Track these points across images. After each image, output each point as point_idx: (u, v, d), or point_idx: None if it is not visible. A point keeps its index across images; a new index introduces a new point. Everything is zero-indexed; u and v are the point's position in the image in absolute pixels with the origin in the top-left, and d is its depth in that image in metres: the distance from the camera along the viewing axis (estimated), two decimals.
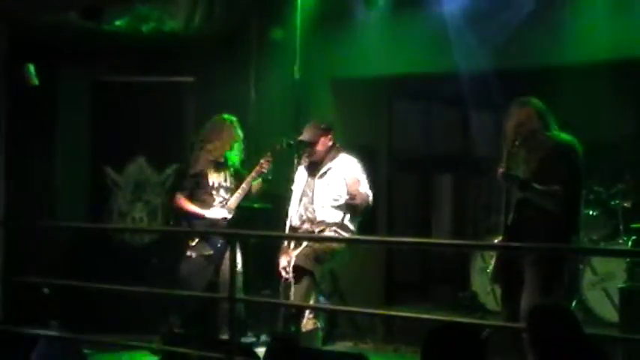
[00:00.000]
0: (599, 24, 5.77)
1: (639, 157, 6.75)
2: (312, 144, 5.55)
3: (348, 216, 5.48)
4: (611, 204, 6.49)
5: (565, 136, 4.66)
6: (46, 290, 6.11)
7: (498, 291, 6.27)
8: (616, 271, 5.97)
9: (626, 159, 6.74)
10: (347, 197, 5.46)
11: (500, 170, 4.59)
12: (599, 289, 6.19)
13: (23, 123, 6.59)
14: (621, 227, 6.35)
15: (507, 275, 4.65)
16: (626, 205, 6.43)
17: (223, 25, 7.06)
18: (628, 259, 5.64)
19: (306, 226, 5.49)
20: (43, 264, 6.40)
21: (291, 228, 5.54)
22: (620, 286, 5.61)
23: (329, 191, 5.48)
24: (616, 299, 5.74)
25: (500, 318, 5.36)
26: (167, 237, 6.53)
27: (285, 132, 6.75)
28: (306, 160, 5.64)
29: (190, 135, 6.55)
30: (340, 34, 6.90)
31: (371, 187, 5.62)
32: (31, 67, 6.32)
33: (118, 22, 6.43)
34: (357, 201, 5.46)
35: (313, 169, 5.59)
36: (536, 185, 4.52)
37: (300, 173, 5.69)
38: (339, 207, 5.47)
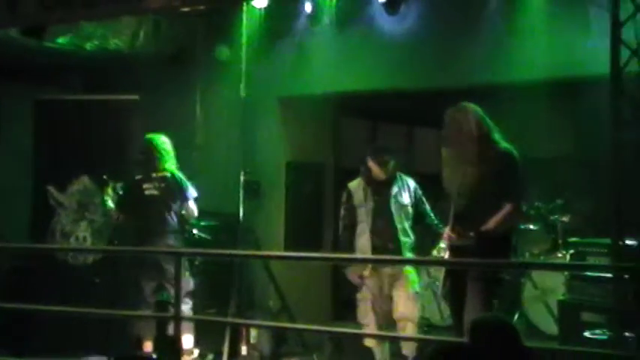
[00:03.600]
0: (537, 44, 5.94)
1: (577, 173, 6.96)
2: (385, 164, 5.54)
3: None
4: (551, 219, 6.66)
5: (508, 146, 4.55)
6: None
7: (444, 306, 6.41)
8: (555, 284, 6.12)
9: (565, 175, 6.94)
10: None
11: (450, 235, 4.52)
12: (539, 303, 6.33)
13: None
14: (560, 242, 6.52)
15: (455, 290, 4.69)
16: (564, 219, 6.61)
17: (169, 43, 7.05)
18: (566, 273, 5.79)
19: (391, 246, 5.49)
20: None
21: (374, 248, 5.49)
22: (559, 299, 5.77)
23: (404, 213, 5.55)
24: (555, 312, 5.89)
25: (445, 333, 5.46)
26: (111, 257, 6.46)
27: (230, 150, 6.79)
28: (375, 178, 5.57)
29: (135, 153, 6.51)
30: (286, 52, 6.96)
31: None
32: None
33: (61, 40, 6.35)
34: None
35: (381, 189, 5.58)
36: (490, 225, 4.38)
37: (362, 192, 5.60)
38: (411, 228, 5.58)
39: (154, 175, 5.98)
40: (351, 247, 5.57)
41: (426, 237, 5.55)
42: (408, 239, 5.55)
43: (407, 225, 5.55)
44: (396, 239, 5.50)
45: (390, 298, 5.52)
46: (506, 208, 4.39)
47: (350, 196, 5.64)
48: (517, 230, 4.86)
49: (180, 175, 6.05)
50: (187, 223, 6.05)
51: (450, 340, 4.38)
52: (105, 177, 6.08)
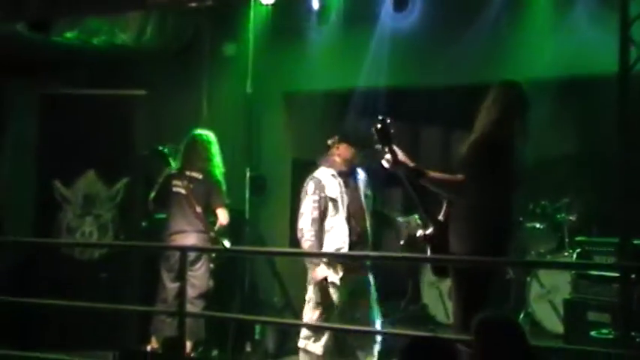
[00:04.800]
0: (544, 42, 5.93)
1: (584, 171, 6.94)
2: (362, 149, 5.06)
3: None
4: (557, 218, 6.65)
5: (493, 129, 4.21)
6: None
7: (449, 304, 6.39)
8: (561, 283, 6.10)
9: (571, 174, 6.92)
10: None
11: (392, 160, 4.14)
12: (545, 301, 6.32)
13: None
14: (566, 240, 6.51)
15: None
16: (571, 218, 6.60)
17: (175, 38, 7.05)
18: (573, 272, 5.78)
19: (362, 246, 5.02)
20: None
21: (351, 247, 4.97)
22: (565, 298, 5.76)
23: (368, 207, 5.10)
24: (561, 311, 5.88)
25: (450, 330, 5.44)
26: (117, 252, 6.47)
27: (236, 146, 6.79)
28: (339, 167, 5.08)
29: (141, 148, 6.52)
30: (292, 49, 6.95)
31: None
32: None
33: (68, 35, 6.34)
34: None
35: (348, 179, 5.08)
36: (430, 174, 4.13)
37: (335, 182, 5.03)
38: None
39: (187, 173, 5.90)
40: (319, 243, 4.96)
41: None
42: (370, 237, 5.09)
43: (369, 219, 5.09)
44: (367, 237, 5.05)
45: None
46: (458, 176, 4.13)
47: (322, 186, 5.00)
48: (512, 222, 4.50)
49: (218, 178, 5.91)
50: (214, 230, 5.84)
51: (424, 335, 4.31)
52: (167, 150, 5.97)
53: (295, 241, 7.18)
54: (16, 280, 6.50)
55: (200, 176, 5.93)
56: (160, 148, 6.11)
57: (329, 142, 5.14)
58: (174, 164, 6.04)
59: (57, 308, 5.58)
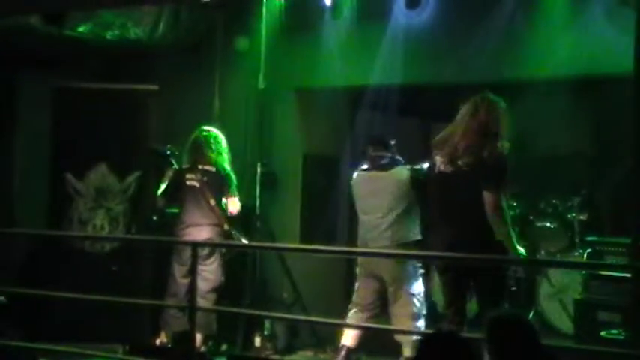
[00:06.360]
0: (559, 40, 5.90)
1: (595, 171, 6.91)
2: None
3: None
4: (568, 217, 6.63)
5: None
6: (2, 299, 6.02)
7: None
8: (572, 282, 6.09)
9: (583, 173, 6.90)
10: None
11: None
12: (555, 301, 6.31)
13: None
14: (577, 240, 6.48)
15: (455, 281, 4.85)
16: (582, 218, 6.57)
17: (188, 33, 7.05)
18: (583, 272, 5.76)
19: None
20: (1, 271, 6.31)
21: None
22: (575, 297, 5.74)
23: None
24: (571, 310, 5.87)
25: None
26: (128, 245, 6.49)
27: (247, 141, 6.80)
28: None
29: (153, 143, 6.53)
30: (305, 44, 6.94)
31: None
32: None
33: (81, 28, 6.37)
34: None
35: None
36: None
37: None
38: None
39: (199, 166, 5.99)
40: None
41: None
42: None
43: None
44: None
45: None
46: None
47: None
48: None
49: (228, 171, 6.02)
50: (228, 223, 5.92)
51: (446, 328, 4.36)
52: (168, 152, 6.11)
53: (305, 237, 7.23)
54: (28, 271, 6.53)
55: (213, 169, 5.99)
56: (160, 148, 6.15)
57: (392, 142, 5.69)
58: (176, 164, 6.08)
59: (67, 300, 5.60)
